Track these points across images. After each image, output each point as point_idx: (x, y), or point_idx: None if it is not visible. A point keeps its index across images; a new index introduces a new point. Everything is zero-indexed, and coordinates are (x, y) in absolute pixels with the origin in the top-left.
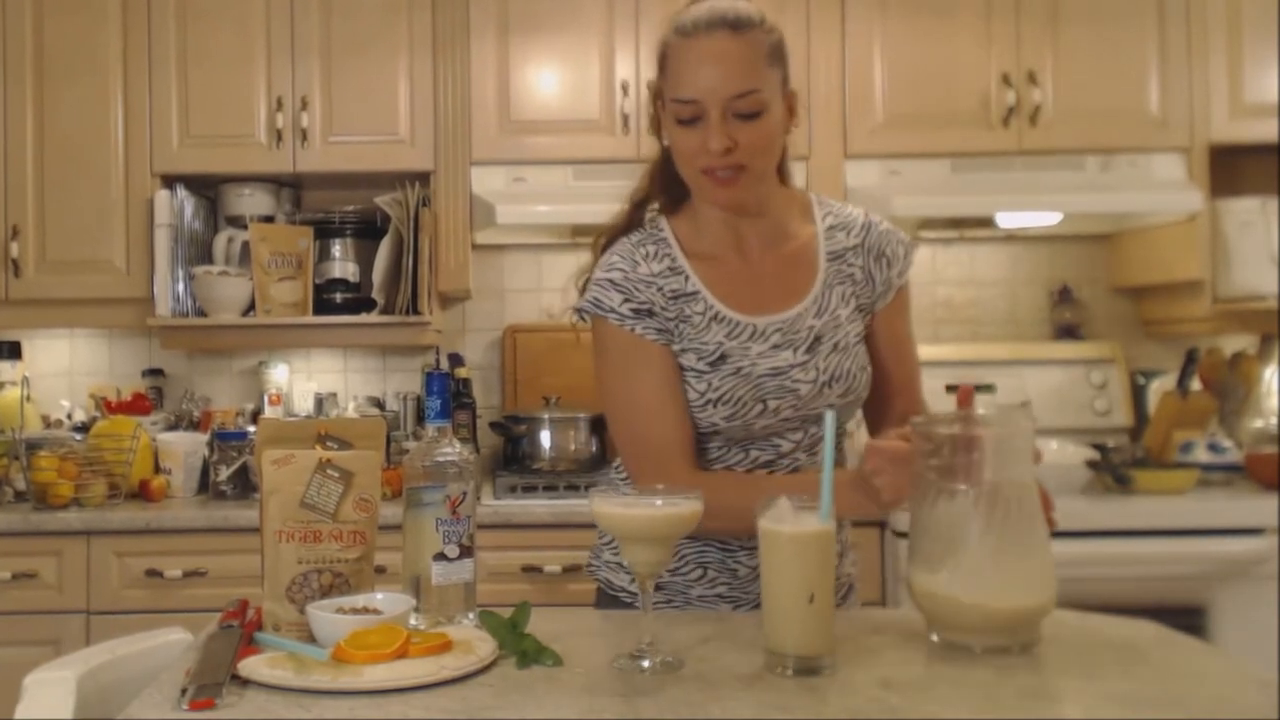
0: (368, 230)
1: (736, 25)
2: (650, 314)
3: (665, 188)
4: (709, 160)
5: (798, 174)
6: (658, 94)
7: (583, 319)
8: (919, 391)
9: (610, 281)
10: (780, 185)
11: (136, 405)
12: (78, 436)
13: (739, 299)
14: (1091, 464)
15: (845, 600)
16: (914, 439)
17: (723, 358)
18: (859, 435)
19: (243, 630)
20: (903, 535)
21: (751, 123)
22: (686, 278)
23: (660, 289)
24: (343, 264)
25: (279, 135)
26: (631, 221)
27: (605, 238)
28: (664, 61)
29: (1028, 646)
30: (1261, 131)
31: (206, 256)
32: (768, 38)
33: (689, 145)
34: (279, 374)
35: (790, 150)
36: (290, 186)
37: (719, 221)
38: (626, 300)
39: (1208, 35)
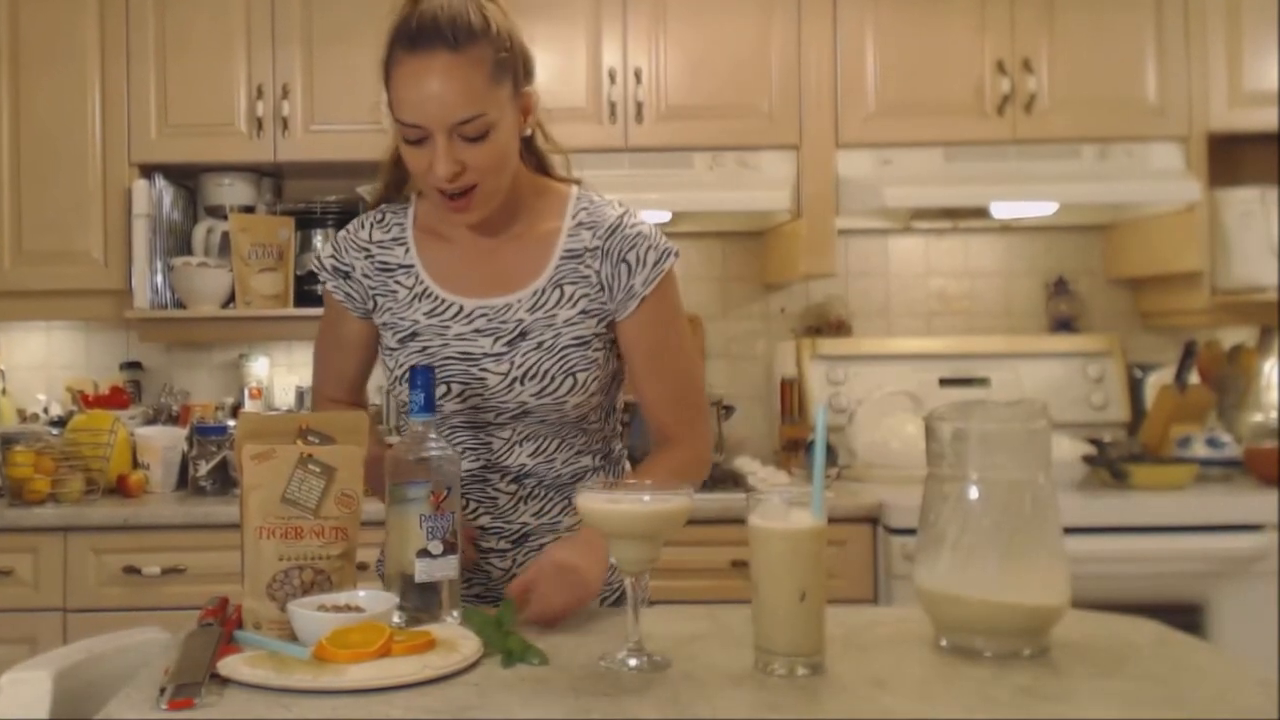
0: (350, 220)
1: (457, 42)
2: (346, 276)
3: (402, 181)
4: (438, 182)
5: (786, 164)
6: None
7: None
8: (682, 412)
9: (337, 238)
10: (538, 179)
11: (114, 399)
12: (54, 431)
13: (454, 279)
14: (1088, 459)
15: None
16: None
17: (413, 335)
18: (851, 430)
19: (222, 628)
20: (896, 532)
21: (478, 144)
22: (407, 250)
23: (371, 256)
24: None
25: (259, 124)
26: (385, 199)
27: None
28: (386, 70)
29: (1040, 652)
30: (1261, 120)
31: (185, 247)
32: (493, 51)
33: (418, 165)
34: (259, 367)
35: (549, 141)
36: (271, 176)
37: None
38: (333, 257)
39: (1206, 21)
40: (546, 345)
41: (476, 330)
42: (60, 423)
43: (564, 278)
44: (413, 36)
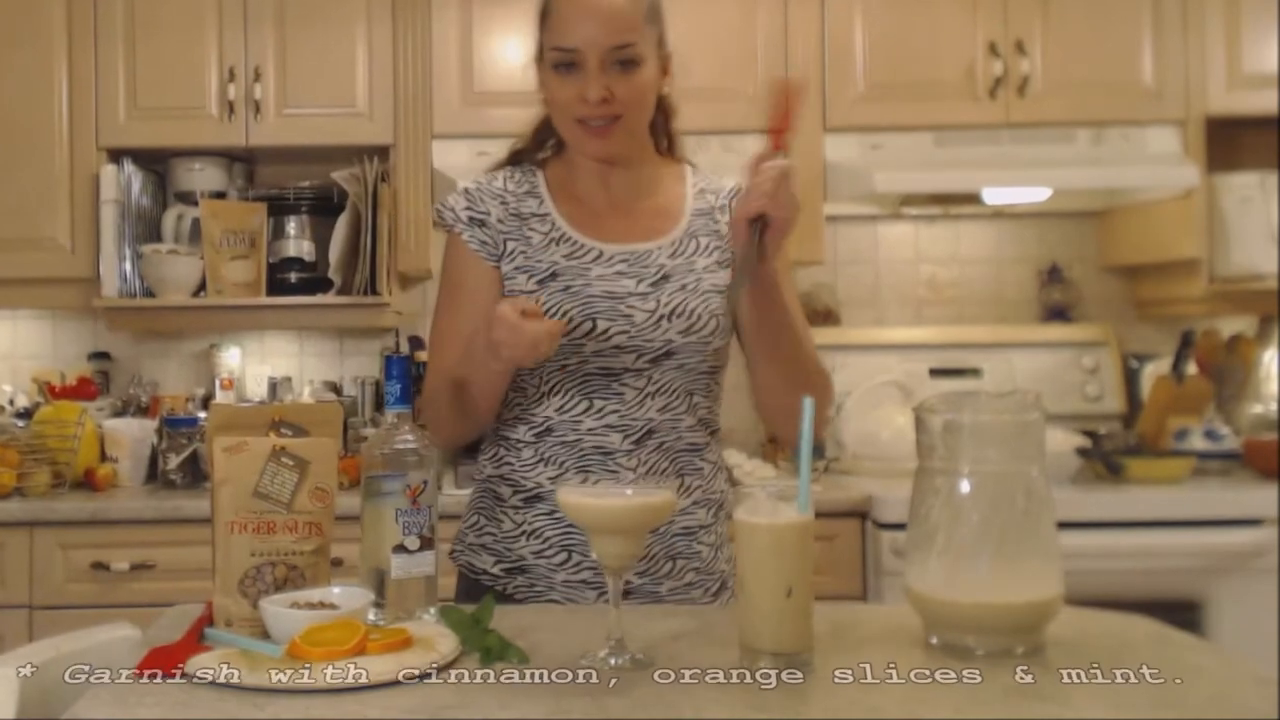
0: (324, 207)
1: None
2: (482, 224)
3: (543, 144)
4: (585, 109)
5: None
6: (539, 54)
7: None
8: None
9: (464, 190)
10: (659, 153)
11: (82, 390)
12: (20, 423)
13: (591, 227)
14: (1082, 452)
15: (717, 599)
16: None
17: (553, 275)
18: (839, 421)
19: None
20: (885, 526)
21: (628, 74)
22: (541, 201)
23: (505, 203)
24: (298, 242)
25: (231, 107)
26: (514, 160)
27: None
28: (546, 11)
29: (1033, 650)
30: (1260, 103)
31: (155, 234)
32: None
33: (565, 94)
34: (231, 357)
35: (674, 115)
36: (243, 161)
37: (591, 172)
38: (469, 207)
39: (1204, 2)
40: (690, 287)
41: (618, 273)
42: (26, 414)
43: (698, 230)
44: None
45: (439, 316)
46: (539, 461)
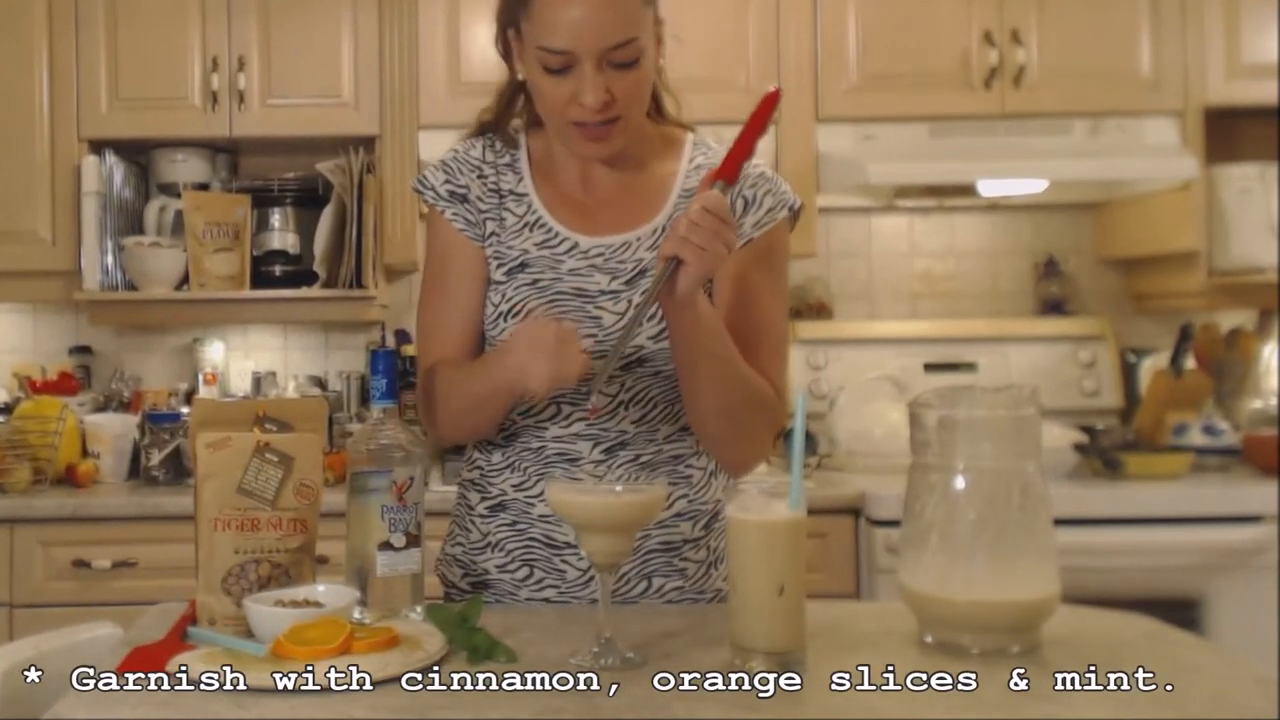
0: (309, 199)
1: None
2: (463, 200)
3: (514, 112)
4: (581, 114)
5: (764, 139)
6: (509, 22)
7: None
8: (768, 366)
9: (441, 161)
10: (653, 121)
11: (63, 385)
12: (0, 418)
13: (569, 215)
14: (1079, 447)
15: None
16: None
17: (522, 266)
18: (832, 417)
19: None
20: (879, 524)
21: (628, 71)
22: (521, 178)
23: (483, 176)
24: (282, 234)
25: (214, 97)
26: (485, 130)
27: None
28: None
29: (1030, 649)
30: (1260, 93)
31: (137, 226)
32: None
33: (556, 94)
34: (214, 352)
35: (661, 78)
36: (226, 152)
37: (572, 156)
38: (448, 181)
39: None
40: None
41: (592, 266)
42: (6, 410)
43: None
44: None
45: (425, 305)
46: (506, 467)
